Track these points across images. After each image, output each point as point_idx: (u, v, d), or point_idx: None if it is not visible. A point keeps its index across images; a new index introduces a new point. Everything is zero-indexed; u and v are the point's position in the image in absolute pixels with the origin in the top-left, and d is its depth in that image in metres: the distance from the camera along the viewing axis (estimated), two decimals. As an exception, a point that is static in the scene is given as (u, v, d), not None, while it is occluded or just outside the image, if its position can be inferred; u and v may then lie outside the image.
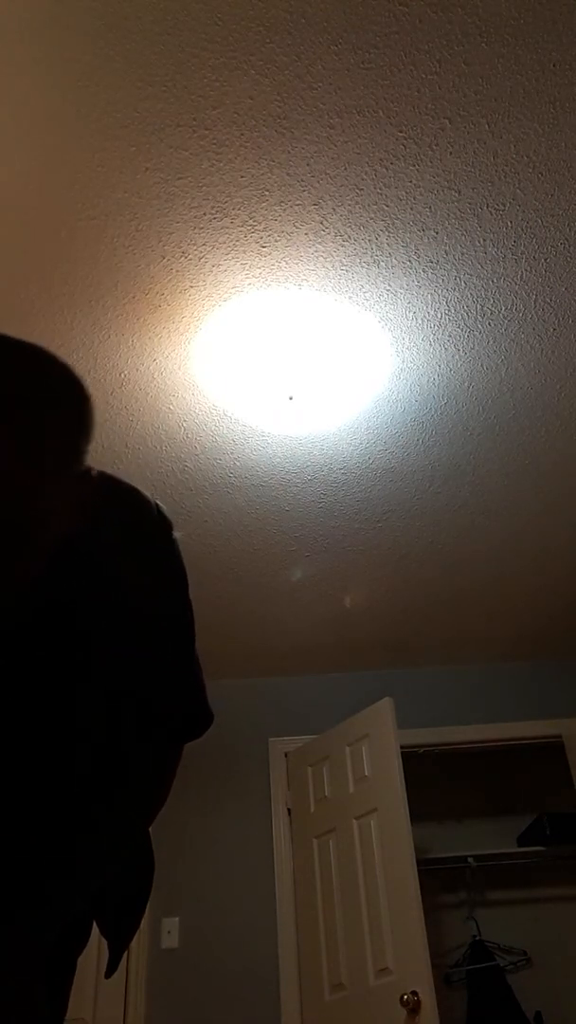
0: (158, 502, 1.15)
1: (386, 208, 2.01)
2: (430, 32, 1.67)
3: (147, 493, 1.14)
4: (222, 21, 1.64)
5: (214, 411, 2.58)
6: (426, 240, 2.10)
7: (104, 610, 1.04)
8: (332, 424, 2.66)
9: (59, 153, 1.85)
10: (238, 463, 2.81)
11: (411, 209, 2.02)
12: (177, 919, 3.59)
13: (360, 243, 2.09)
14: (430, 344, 2.40)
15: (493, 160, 1.92)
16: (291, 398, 2.42)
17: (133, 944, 3.50)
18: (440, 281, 2.21)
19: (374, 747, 3.52)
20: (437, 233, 2.09)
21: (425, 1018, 2.85)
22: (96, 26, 1.63)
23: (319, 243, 2.08)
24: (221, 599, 3.54)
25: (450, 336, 2.39)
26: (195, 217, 2.00)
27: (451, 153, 1.90)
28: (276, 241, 2.07)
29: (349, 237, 2.07)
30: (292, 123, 1.82)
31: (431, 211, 2.03)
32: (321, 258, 2.12)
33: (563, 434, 2.78)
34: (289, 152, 1.87)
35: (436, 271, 2.19)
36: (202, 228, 2.03)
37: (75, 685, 1.02)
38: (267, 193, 1.96)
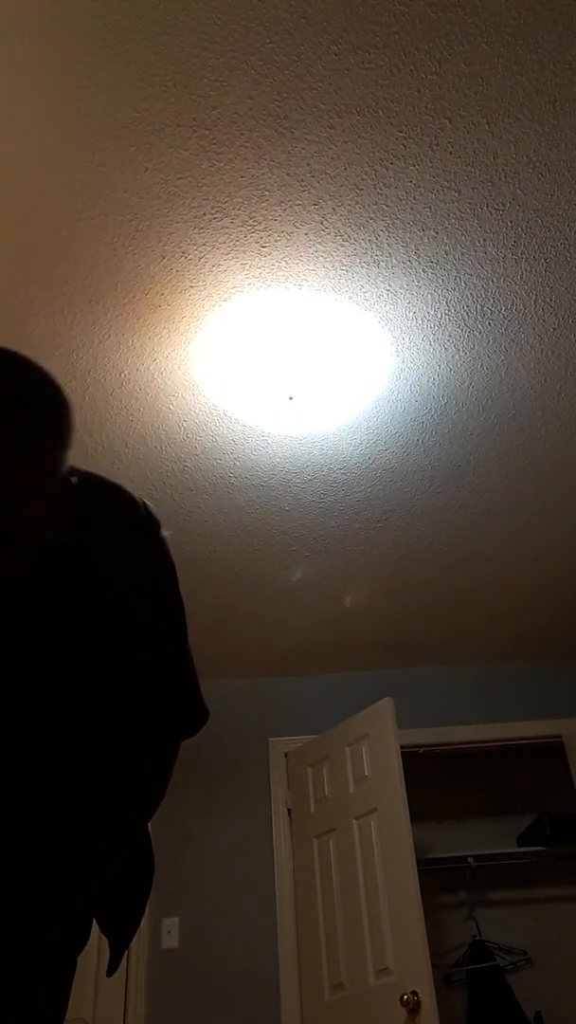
0: (145, 500, 1.14)
1: (386, 208, 2.01)
2: (430, 32, 1.67)
3: (134, 492, 1.14)
4: (222, 21, 1.64)
5: (214, 411, 2.58)
6: (426, 240, 2.10)
7: (99, 610, 1.04)
8: (332, 424, 2.66)
9: (59, 153, 1.85)
10: (238, 463, 2.81)
11: (411, 209, 2.02)
12: (177, 919, 3.59)
13: (360, 243, 2.09)
14: (430, 344, 2.40)
15: (493, 160, 1.92)
16: (291, 398, 2.42)
17: (133, 944, 3.49)
18: (440, 281, 2.21)
19: (374, 747, 3.52)
20: (437, 233, 2.09)
21: (425, 1018, 2.85)
22: (96, 26, 1.63)
23: (319, 243, 2.08)
24: (221, 599, 3.54)
25: (450, 336, 2.39)
26: (195, 217, 2.00)
27: (451, 153, 1.90)
28: (276, 241, 2.07)
29: (349, 237, 2.07)
30: (292, 123, 1.82)
31: (431, 211, 2.03)
32: (321, 258, 2.12)
33: (563, 434, 2.78)
34: (289, 152, 1.87)
35: (436, 271, 2.19)
36: (202, 228, 2.03)
37: (74, 685, 1.02)
38: (267, 193, 1.96)
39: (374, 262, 2.14)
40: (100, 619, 1.04)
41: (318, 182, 1.94)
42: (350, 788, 3.56)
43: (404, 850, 3.19)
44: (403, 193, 1.98)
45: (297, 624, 3.79)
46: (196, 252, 2.09)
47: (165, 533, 1.16)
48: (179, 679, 1.12)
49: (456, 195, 2.00)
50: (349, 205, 2.00)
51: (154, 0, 1.60)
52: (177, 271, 2.13)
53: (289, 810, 3.83)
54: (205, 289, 2.18)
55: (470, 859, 4.21)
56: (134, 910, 1.11)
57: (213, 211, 1.99)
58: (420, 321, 2.33)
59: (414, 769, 3.82)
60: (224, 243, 2.06)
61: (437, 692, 4.18)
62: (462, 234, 2.09)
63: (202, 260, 2.10)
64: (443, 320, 2.33)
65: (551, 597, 3.76)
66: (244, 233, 2.04)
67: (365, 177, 1.94)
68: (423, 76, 1.75)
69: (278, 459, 2.81)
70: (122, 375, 2.43)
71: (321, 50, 1.69)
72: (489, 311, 2.32)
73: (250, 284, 2.17)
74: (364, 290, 2.21)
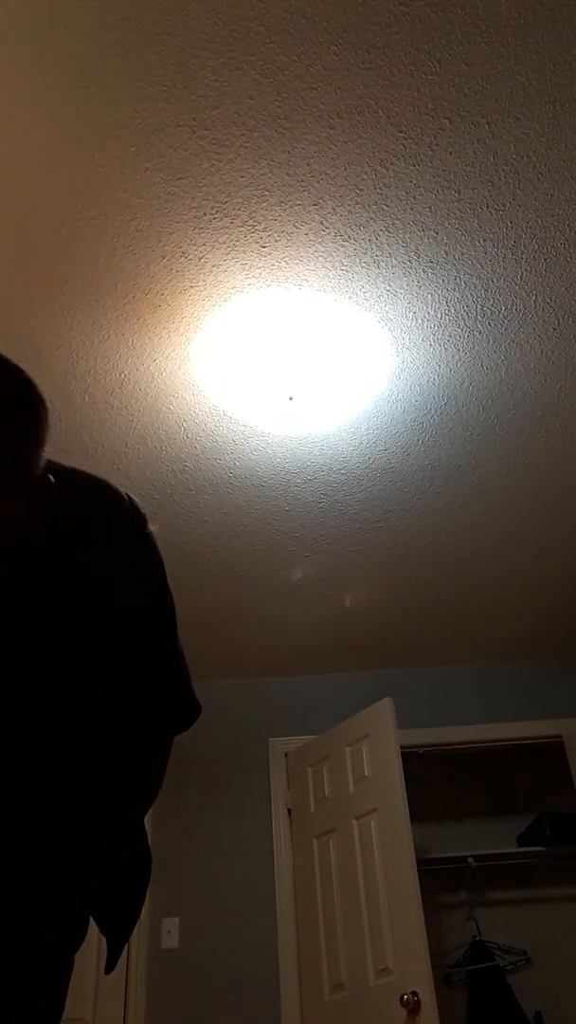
0: (130, 495, 1.14)
1: (386, 208, 2.01)
2: (430, 32, 1.67)
3: (119, 487, 1.13)
4: (222, 21, 1.64)
5: (214, 411, 2.58)
6: (426, 240, 2.10)
7: (86, 606, 1.04)
8: (332, 424, 2.66)
9: (59, 153, 1.85)
10: (238, 463, 2.81)
11: (411, 209, 2.02)
12: (177, 919, 3.59)
13: (360, 243, 2.09)
14: (430, 344, 2.40)
15: (493, 160, 1.92)
16: (291, 398, 2.42)
17: (133, 944, 3.49)
18: (440, 281, 2.21)
19: (374, 747, 3.52)
20: (437, 233, 2.09)
21: (425, 1018, 2.85)
22: (96, 26, 1.63)
23: (319, 243, 2.08)
24: (221, 599, 3.54)
25: (450, 336, 2.39)
26: (195, 217, 2.00)
27: (451, 153, 1.90)
28: (276, 241, 2.07)
29: (349, 237, 2.07)
30: (292, 123, 1.82)
31: (431, 211, 2.03)
32: (321, 258, 2.12)
33: (563, 434, 2.78)
34: (289, 152, 1.87)
35: (436, 271, 2.19)
36: (202, 228, 2.03)
37: (61, 684, 1.02)
38: (267, 193, 1.96)
39: (374, 262, 2.14)
40: (88, 615, 1.04)
41: (318, 182, 1.94)
42: (350, 788, 3.56)
43: (404, 850, 3.19)
44: (403, 193, 1.98)
45: (297, 624, 3.79)
46: (196, 252, 2.09)
47: (152, 527, 1.15)
48: (170, 674, 1.11)
49: (456, 195, 2.00)
50: (349, 205, 2.00)
51: (154, 0, 1.60)
52: (177, 271, 2.13)
53: (289, 810, 3.84)
54: (205, 289, 2.18)
55: (470, 859, 4.21)
56: (131, 908, 1.11)
57: (213, 211, 1.99)
58: (420, 321, 2.33)
59: (414, 769, 3.83)
60: (224, 243, 2.06)
61: (437, 692, 4.18)
62: (462, 234, 2.09)
63: (202, 260, 2.10)
64: (443, 320, 2.33)
65: (551, 597, 3.76)
66: (244, 233, 2.04)
67: (365, 177, 1.94)
68: (423, 76, 1.75)
69: (278, 459, 2.81)
70: (122, 375, 2.43)
71: (321, 50, 1.69)
72: (489, 311, 2.32)
73: (250, 284, 2.17)
74: (364, 290, 2.21)
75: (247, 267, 2.12)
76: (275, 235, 2.05)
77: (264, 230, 2.04)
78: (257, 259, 2.11)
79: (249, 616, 3.70)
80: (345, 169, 1.92)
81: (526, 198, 2.02)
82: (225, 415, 2.60)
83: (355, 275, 2.17)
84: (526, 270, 2.20)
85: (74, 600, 1.03)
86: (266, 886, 3.67)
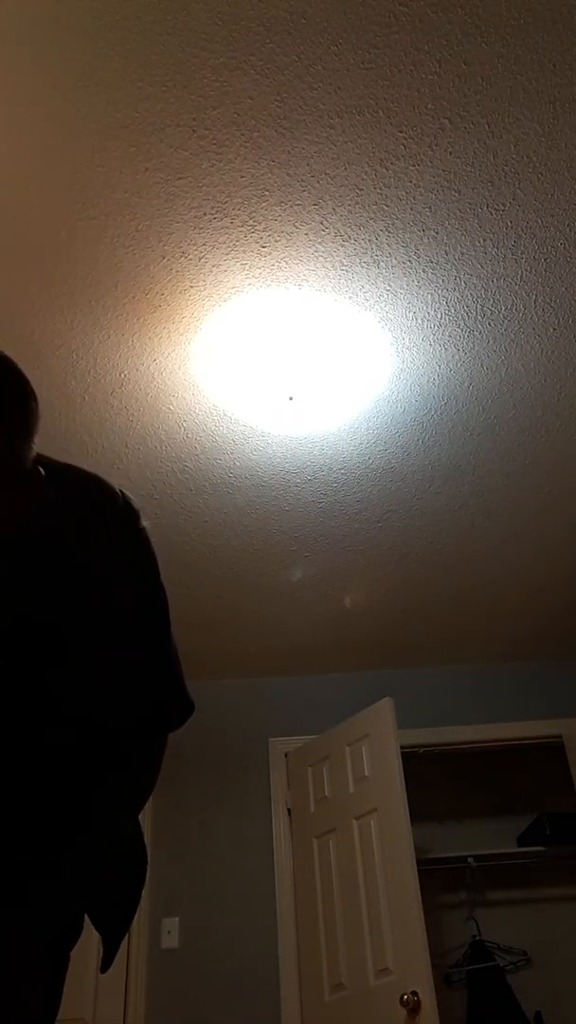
0: (124, 491, 1.13)
1: (386, 208, 2.01)
2: (430, 32, 1.67)
3: (112, 483, 1.13)
4: (222, 21, 1.64)
5: (214, 411, 2.58)
6: (426, 240, 2.10)
7: (77, 603, 1.03)
8: (332, 424, 2.66)
9: (59, 153, 1.85)
10: (238, 463, 2.81)
11: (411, 209, 2.02)
12: (177, 919, 3.59)
13: (360, 243, 2.09)
14: (430, 344, 2.40)
15: (493, 160, 1.92)
16: (291, 398, 2.42)
17: (133, 944, 3.49)
18: (440, 281, 2.21)
19: (374, 747, 3.52)
20: (437, 233, 2.09)
21: (425, 1018, 2.85)
22: (96, 26, 1.63)
23: (319, 243, 2.08)
24: (221, 599, 3.54)
25: (450, 336, 2.39)
26: (195, 217, 2.00)
27: (451, 153, 1.90)
28: (276, 241, 2.07)
29: (349, 237, 2.07)
30: (292, 123, 1.82)
31: (431, 211, 2.03)
32: (321, 258, 2.12)
33: (563, 434, 2.78)
34: (289, 152, 1.87)
35: (436, 271, 2.19)
36: (202, 228, 2.03)
37: (53, 683, 1.01)
38: (267, 193, 1.96)
39: (374, 262, 2.14)
40: (79, 612, 1.03)
41: (318, 182, 1.94)
42: (350, 788, 3.56)
43: (404, 850, 3.19)
44: (403, 193, 1.98)
45: (297, 624, 3.79)
46: (196, 252, 2.09)
47: (145, 523, 1.14)
48: (163, 671, 1.11)
49: (456, 195, 2.00)
50: (349, 205, 2.00)
51: (154, 0, 1.60)
52: (177, 271, 2.13)
53: (289, 810, 3.84)
54: (205, 289, 2.18)
55: (470, 859, 4.21)
56: (127, 907, 1.11)
57: (213, 211, 1.99)
58: (420, 321, 2.33)
59: (414, 769, 3.82)
60: (224, 243, 2.06)
61: (437, 692, 4.18)
62: (462, 234, 2.09)
63: (202, 260, 2.10)
64: (443, 320, 2.33)
65: (551, 597, 3.76)
66: (244, 233, 2.04)
67: (365, 177, 1.94)
68: (423, 76, 1.75)
69: (278, 459, 2.81)
70: (122, 375, 2.43)
71: (321, 50, 1.69)
72: (489, 311, 2.32)
73: (250, 284, 2.17)
74: (364, 290, 2.21)
75: (247, 267, 2.12)
76: (275, 235, 2.05)
77: (264, 230, 2.04)
78: (257, 259, 2.11)
79: (249, 616, 3.70)
80: (345, 169, 1.92)
81: (526, 198, 2.02)
82: (225, 415, 2.60)
83: (355, 275, 2.17)
84: (526, 270, 2.20)
85: (64, 596, 1.03)
86: (266, 886, 3.67)
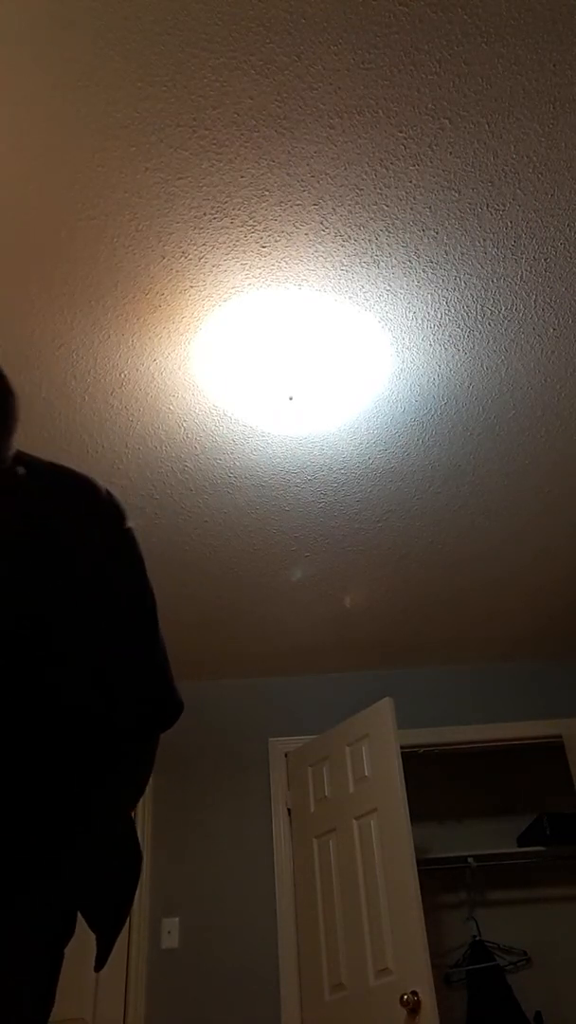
0: (109, 490, 1.12)
1: (386, 208, 2.01)
2: (430, 32, 1.67)
3: (99, 482, 1.11)
4: (222, 21, 1.64)
5: (214, 411, 2.58)
6: (426, 240, 2.10)
7: (61, 603, 1.02)
8: (332, 424, 2.66)
9: (59, 153, 1.85)
10: (238, 463, 2.81)
11: (411, 209, 2.02)
12: (177, 919, 3.59)
13: (360, 243, 2.09)
14: (430, 344, 2.40)
15: (493, 160, 1.92)
16: (291, 398, 2.42)
17: (133, 944, 3.50)
18: (440, 281, 2.21)
19: (374, 747, 3.52)
20: (437, 233, 2.09)
21: (425, 1018, 2.85)
22: (96, 26, 1.63)
23: (319, 243, 2.08)
24: (221, 599, 3.53)
25: (450, 336, 2.39)
26: (195, 217, 2.00)
27: (451, 153, 1.90)
28: (276, 241, 2.07)
29: (349, 237, 2.07)
30: (292, 123, 1.82)
31: (431, 211, 2.03)
32: (321, 258, 2.12)
33: (563, 434, 2.78)
34: (289, 152, 1.87)
35: (436, 271, 2.19)
36: (202, 228, 2.03)
37: (39, 686, 1.00)
38: (267, 193, 1.96)
39: (374, 262, 2.14)
40: (63, 613, 1.03)
41: (318, 182, 1.94)
42: (350, 788, 3.56)
43: (404, 850, 3.19)
44: (403, 193, 1.98)
45: (297, 624, 3.79)
46: (196, 252, 2.09)
47: (131, 524, 1.13)
48: (151, 672, 1.10)
49: (456, 195, 2.00)
50: (349, 205, 2.00)
51: (154, 0, 1.60)
52: (177, 271, 2.13)
53: (289, 810, 3.84)
54: (205, 289, 2.18)
55: (470, 859, 4.21)
56: (121, 905, 1.11)
57: (213, 211, 1.99)
58: (420, 321, 2.33)
59: (414, 769, 3.83)
60: (224, 243, 2.06)
61: (437, 692, 4.18)
62: (462, 234, 2.09)
63: (202, 260, 2.10)
64: (443, 320, 2.33)
65: (551, 597, 3.76)
66: (244, 233, 2.04)
67: (365, 177, 1.94)
68: (423, 76, 1.75)
69: (278, 459, 2.81)
70: (122, 375, 2.43)
71: (321, 50, 1.69)
72: (489, 311, 2.32)
73: (250, 284, 2.17)
74: (364, 290, 2.21)
75: (247, 267, 2.12)
76: (275, 235, 2.05)
77: (264, 230, 2.04)
78: (257, 259, 2.11)
79: (249, 616, 3.70)
80: (345, 169, 1.92)
81: (526, 198, 2.02)
82: (225, 415, 2.60)
83: (355, 275, 2.17)
84: (526, 270, 2.20)
85: (49, 596, 1.02)
86: (266, 886, 3.67)
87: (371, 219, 2.03)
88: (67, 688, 1.03)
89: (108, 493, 1.12)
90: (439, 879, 4.28)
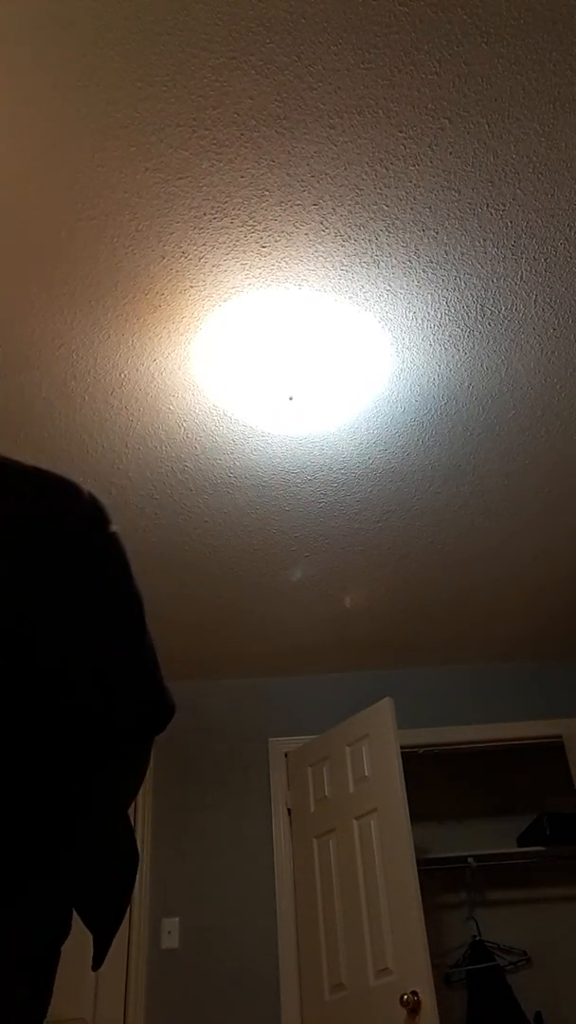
0: (92, 493, 1.11)
1: (386, 208, 2.01)
2: (430, 32, 1.67)
3: (81, 485, 1.10)
4: (222, 21, 1.64)
5: (214, 411, 2.58)
6: (426, 240, 2.10)
7: (44, 610, 1.02)
8: (332, 424, 2.66)
9: (59, 153, 1.85)
10: (238, 463, 2.81)
11: (411, 209, 2.02)
12: (177, 919, 3.59)
13: (360, 243, 2.09)
14: (430, 344, 2.40)
15: (493, 160, 1.92)
16: (291, 398, 2.42)
17: (133, 944, 3.50)
18: (440, 281, 2.21)
19: (374, 747, 3.52)
20: (437, 233, 2.09)
21: (425, 1018, 2.85)
22: (96, 26, 1.63)
23: (319, 243, 2.08)
24: (221, 599, 3.53)
25: (450, 336, 2.39)
26: (195, 217, 2.00)
27: (451, 153, 1.90)
28: (276, 241, 2.07)
29: (349, 237, 2.07)
30: (292, 123, 1.82)
31: (431, 211, 2.03)
32: (321, 258, 2.12)
33: (563, 434, 2.78)
34: (289, 152, 1.87)
35: (436, 271, 2.19)
36: (202, 228, 2.03)
37: (25, 694, 1.00)
38: (267, 193, 1.96)
39: (374, 262, 2.14)
40: (46, 620, 1.02)
41: (318, 182, 1.94)
42: (350, 788, 3.56)
43: (404, 850, 3.19)
44: (403, 193, 1.98)
45: (297, 624, 3.79)
46: (196, 252, 2.09)
47: (114, 528, 1.12)
48: (138, 677, 1.10)
49: (456, 195, 2.00)
50: (349, 205, 2.00)
51: (154, 0, 1.60)
52: (177, 271, 2.13)
53: (289, 810, 3.84)
54: (205, 289, 2.18)
55: (470, 859, 4.21)
56: (119, 904, 1.11)
57: (213, 211, 1.99)
58: (420, 321, 2.33)
59: (414, 769, 3.83)
60: (224, 243, 2.06)
61: (437, 692, 4.18)
62: (462, 234, 2.09)
63: (202, 260, 2.10)
64: (443, 320, 2.33)
65: (551, 597, 3.76)
66: (244, 233, 2.04)
67: (365, 177, 1.94)
68: (423, 76, 1.75)
69: (278, 459, 2.81)
70: (122, 375, 2.43)
71: (321, 50, 1.69)
72: (489, 311, 2.32)
73: (250, 284, 2.17)
74: (364, 290, 2.21)
75: (247, 267, 2.12)
76: (275, 235, 2.05)
77: (264, 230, 2.04)
78: (257, 259, 2.11)
79: (249, 616, 3.70)
80: (345, 169, 1.92)
81: (526, 198, 2.02)
82: (225, 415, 2.60)
83: (355, 275, 2.17)
84: (526, 270, 2.20)
85: (30, 603, 1.01)
86: (266, 886, 3.67)
87: (371, 219, 2.03)
88: (66, 688, 1.03)
89: (91, 496, 1.11)
90: (439, 879, 4.28)
